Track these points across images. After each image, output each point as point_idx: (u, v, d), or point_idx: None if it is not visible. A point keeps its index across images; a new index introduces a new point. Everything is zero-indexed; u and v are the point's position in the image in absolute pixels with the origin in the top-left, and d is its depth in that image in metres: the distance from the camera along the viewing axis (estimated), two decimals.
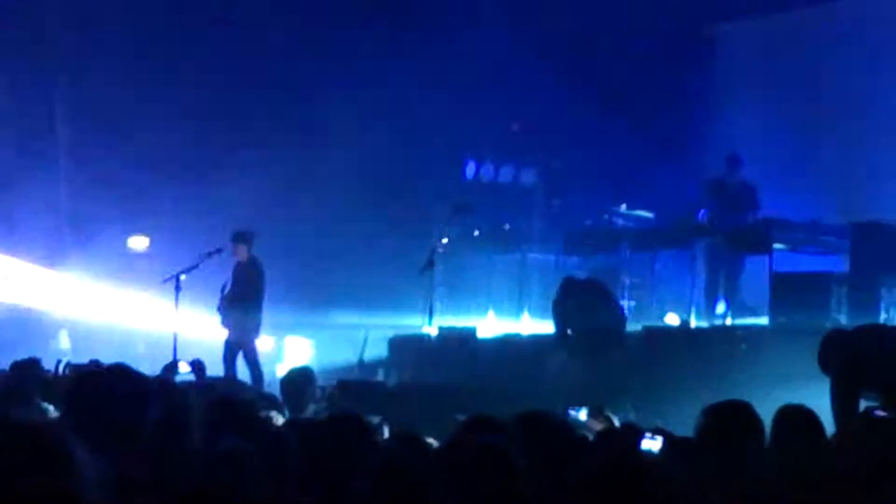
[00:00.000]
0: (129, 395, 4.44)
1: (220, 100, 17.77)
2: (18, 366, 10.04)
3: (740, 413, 5.34)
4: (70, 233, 18.10)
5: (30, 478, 2.28)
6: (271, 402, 8.45)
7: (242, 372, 14.81)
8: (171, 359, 11.86)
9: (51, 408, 6.83)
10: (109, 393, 4.40)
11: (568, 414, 7.74)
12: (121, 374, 4.59)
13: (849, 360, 8.26)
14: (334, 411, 8.02)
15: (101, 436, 3.74)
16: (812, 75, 18.30)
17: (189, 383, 9.66)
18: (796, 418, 5.86)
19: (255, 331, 15.42)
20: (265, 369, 15.40)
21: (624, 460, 3.38)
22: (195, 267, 15.32)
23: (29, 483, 2.26)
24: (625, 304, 15.86)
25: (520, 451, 3.94)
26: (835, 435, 6.27)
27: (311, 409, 9.00)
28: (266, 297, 15.52)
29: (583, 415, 7.71)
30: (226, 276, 15.43)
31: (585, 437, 5.85)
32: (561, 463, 4.46)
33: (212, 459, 4.44)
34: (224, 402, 5.91)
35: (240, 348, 15.24)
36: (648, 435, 5.84)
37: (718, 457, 5.02)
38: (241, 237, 15.39)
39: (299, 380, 9.47)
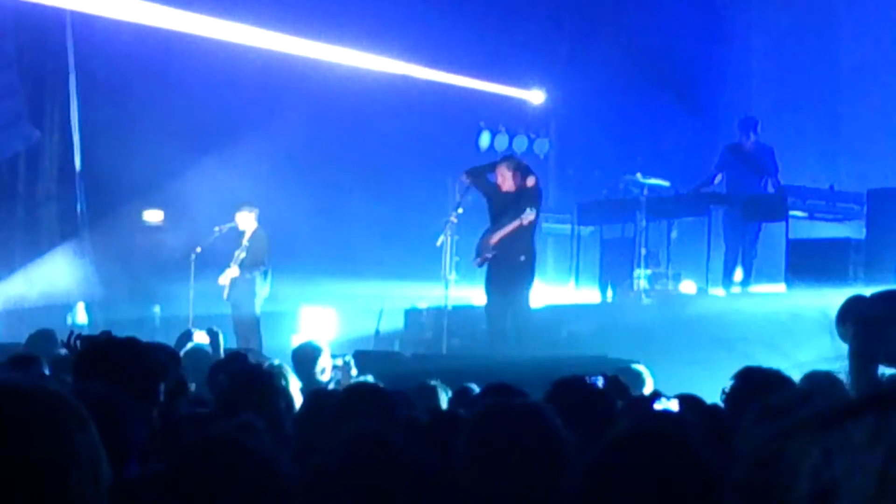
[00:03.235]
0: (138, 367, 4.44)
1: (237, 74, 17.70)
2: (33, 338, 10.10)
3: (772, 378, 5.32)
4: (85, 205, 18.08)
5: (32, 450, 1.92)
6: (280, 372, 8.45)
7: None
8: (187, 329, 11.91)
9: (67, 380, 6.81)
10: (117, 365, 4.40)
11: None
12: (130, 347, 4.59)
13: (866, 326, 8.21)
14: (348, 382, 8.05)
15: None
16: (831, 39, 18.21)
17: (205, 352, 9.70)
18: (822, 385, 5.83)
19: (260, 301, 15.55)
20: (281, 340, 15.45)
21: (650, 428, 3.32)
22: (210, 241, 15.47)
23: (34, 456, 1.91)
24: (641, 272, 15.84)
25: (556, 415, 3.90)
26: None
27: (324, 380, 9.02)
28: (273, 266, 15.68)
29: (599, 383, 7.70)
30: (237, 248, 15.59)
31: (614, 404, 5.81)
32: (594, 428, 4.44)
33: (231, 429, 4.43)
34: (243, 372, 5.91)
35: (243, 318, 15.36)
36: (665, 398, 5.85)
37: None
38: (245, 207, 15.59)
39: (310, 352, 9.50)
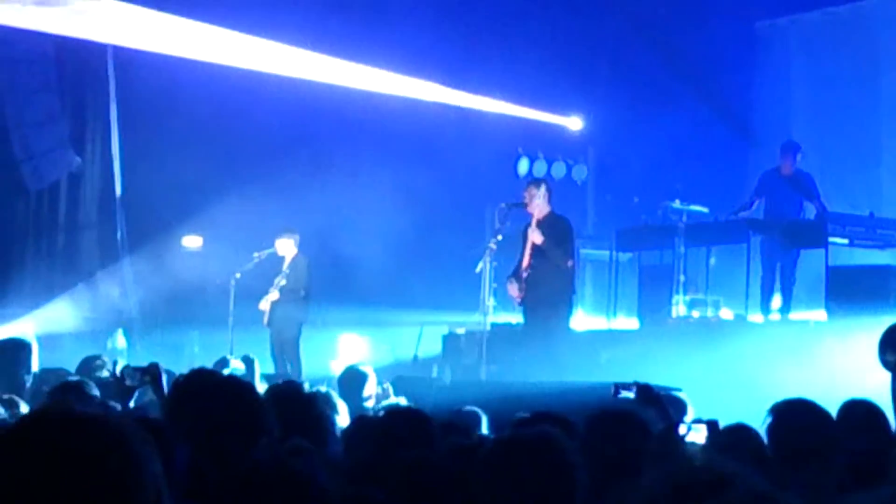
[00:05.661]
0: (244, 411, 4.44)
1: (276, 100, 17.77)
2: (84, 364, 10.16)
3: (809, 410, 5.29)
4: (125, 231, 18.17)
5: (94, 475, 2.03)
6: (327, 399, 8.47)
7: None
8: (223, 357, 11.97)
9: (117, 406, 6.84)
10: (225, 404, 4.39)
11: (619, 393, 7.79)
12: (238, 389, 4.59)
13: None
14: (387, 407, 8.06)
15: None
16: (872, 65, 18.15)
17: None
18: (862, 413, 5.80)
19: (300, 326, 15.59)
20: (320, 365, 15.48)
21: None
22: (250, 266, 15.55)
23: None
24: (679, 298, 15.79)
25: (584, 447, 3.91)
26: None
27: (370, 406, 9.04)
28: (312, 292, 15.71)
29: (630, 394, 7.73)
30: (276, 274, 15.65)
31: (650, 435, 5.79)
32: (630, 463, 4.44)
33: (282, 453, 4.45)
34: (287, 399, 5.93)
35: (284, 343, 15.40)
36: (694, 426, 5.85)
37: (791, 455, 4.97)
38: (285, 233, 15.66)
39: (356, 377, 9.52)
